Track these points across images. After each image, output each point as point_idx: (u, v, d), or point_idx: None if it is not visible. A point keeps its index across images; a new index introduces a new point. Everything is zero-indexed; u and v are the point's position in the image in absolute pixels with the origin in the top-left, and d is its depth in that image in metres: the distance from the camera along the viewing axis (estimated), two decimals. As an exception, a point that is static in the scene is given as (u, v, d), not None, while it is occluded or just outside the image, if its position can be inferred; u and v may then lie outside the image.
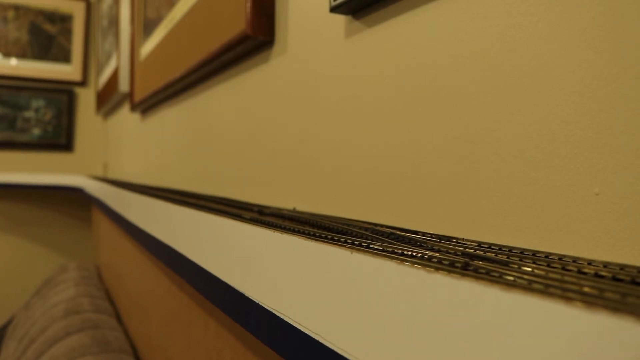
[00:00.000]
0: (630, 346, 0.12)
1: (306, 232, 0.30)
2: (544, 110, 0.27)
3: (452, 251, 0.23)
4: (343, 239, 0.26)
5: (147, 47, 1.07)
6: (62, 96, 2.15)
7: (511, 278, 0.17)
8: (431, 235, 0.30)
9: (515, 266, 0.20)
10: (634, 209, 0.23)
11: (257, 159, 0.61)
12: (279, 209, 0.47)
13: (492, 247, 0.25)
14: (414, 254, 0.22)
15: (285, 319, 0.28)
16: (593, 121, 0.25)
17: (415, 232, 0.31)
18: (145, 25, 1.10)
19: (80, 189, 1.78)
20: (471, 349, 0.16)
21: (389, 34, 0.39)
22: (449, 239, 0.28)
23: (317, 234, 0.29)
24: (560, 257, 0.22)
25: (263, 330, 0.31)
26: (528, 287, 0.15)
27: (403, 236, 0.28)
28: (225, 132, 0.72)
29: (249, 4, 0.55)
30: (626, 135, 0.23)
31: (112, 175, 1.78)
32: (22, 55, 2.08)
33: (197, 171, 0.83)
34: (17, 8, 2.06)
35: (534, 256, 0.23)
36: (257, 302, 0.32)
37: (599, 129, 0.24)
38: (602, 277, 0.18)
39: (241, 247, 0.35)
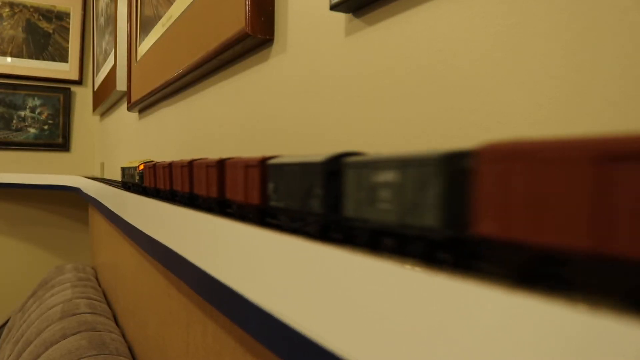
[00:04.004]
0: (632, 350, 0.12)
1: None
2: (545, 111, 0.27)
3: None
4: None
5: (145, 45, 1.06)
6: (59, 95, 2.14)
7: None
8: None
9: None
10: None
11: (255, 159, 0.60)
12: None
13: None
14: None
15: (285, 320, 0.28)
16: (595, 122, 0.24)
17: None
18: (142, 23, 1.09)
19: (77, 189, 1.77)
20: (472, 351, 0.16)
21: (389, 32, 0.39)
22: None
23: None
24: None
25: (262, 332, 0.31)
26: (530, 289, 0.15)
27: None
28: (224, 131, 0.71)
29: (248, 2, 0.55)
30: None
31: (109, 175, 1.77)
32: (17, 53, 2.07)
33: (195, 171, 0.83)
34: (12, 5, 2.05)
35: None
36: (256, 304, 0.32)
37: (601, 130, 0.24)
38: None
39: (240, 248, 0.35)
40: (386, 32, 0.39)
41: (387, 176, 0.21)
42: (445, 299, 0.17)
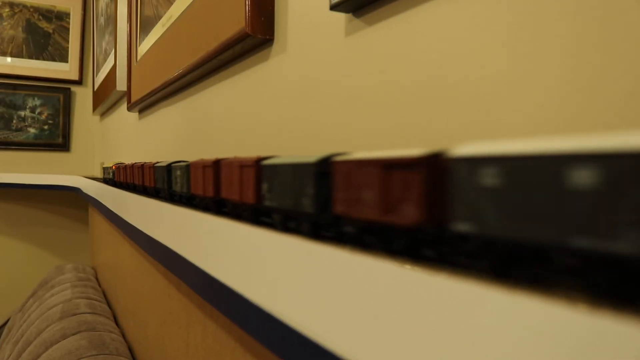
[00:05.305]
0: (632, 350, 0.11)
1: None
2: (545, 110, 0.27)
3: None
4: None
5: (145, 45, 1.06)
6: (59, 95, 2.14)
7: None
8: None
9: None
10: None
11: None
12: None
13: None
14: None
15: (285, 320, 0.28)
16: (595, 122, 0.24)
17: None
18: (142, 23, 1.09)
19: (77, 189, 1.77)
20: (471, 351, 0.16)
21: (389, 32, 0.39)
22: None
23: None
24: None
25: (262, 332, 0.31)
26: (531, 289, 0.15)
27: None
28: (224, 131, 0.71)
29: (248, 2, 0.55)
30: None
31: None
32: (17, 53, 2.07)
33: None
34: (12, 5, 2.05)
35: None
36: (256, 304, 0.31)
37: (601, 129, 0.24)
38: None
39: (240, 248, 0.35)
40: (386, 32, 0.39)
41: (178, 173, 0.50)
42: (444, 298, 0.17)
